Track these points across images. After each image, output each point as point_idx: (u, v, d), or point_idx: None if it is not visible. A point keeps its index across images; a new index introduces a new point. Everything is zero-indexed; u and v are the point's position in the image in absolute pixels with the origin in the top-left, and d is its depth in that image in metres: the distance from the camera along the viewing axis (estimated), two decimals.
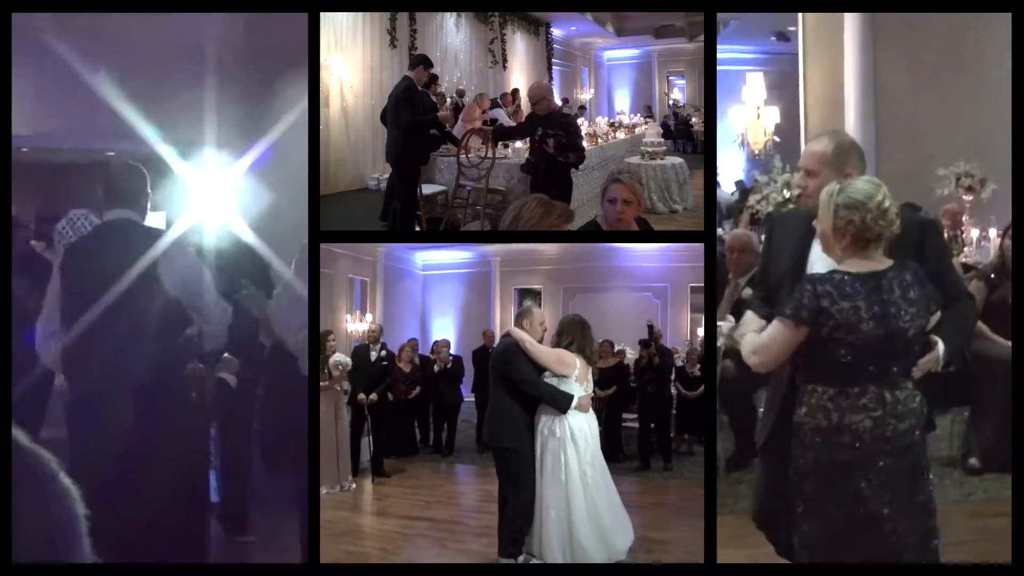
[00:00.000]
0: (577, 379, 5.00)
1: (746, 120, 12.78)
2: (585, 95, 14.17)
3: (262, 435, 4.93)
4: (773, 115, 12.67)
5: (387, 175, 7.57)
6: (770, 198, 10.07)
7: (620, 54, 15.50)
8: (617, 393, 8.37)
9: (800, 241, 3.36)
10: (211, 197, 4.53)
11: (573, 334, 5.11)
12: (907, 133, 10.03)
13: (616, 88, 15.79)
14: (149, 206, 4.22)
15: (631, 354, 8.82)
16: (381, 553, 5.54)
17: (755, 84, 12.86)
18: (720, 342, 3.42)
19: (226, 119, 7.69)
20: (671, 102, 14.90)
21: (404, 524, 6.31)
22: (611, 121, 12.39)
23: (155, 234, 4.12)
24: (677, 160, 10.23)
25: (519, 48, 12.48)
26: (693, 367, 8.74)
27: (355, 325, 9.45)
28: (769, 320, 3.19)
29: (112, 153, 8.35)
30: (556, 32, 13.58)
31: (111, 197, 4.17)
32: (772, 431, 3.38)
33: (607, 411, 8.05)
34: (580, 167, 7.25)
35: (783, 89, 12.23)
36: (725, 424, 6.14)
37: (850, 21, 10.27)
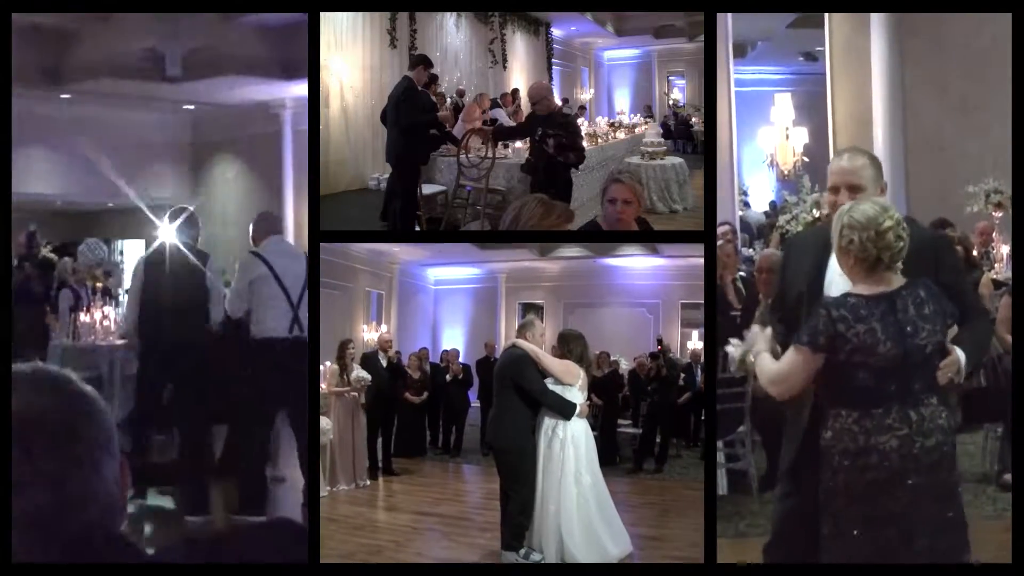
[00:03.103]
0: (580, 388, 5.33)
1: (775, 141, 12.80)
2: (585, 95, 14.16)
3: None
4: (802, 136, 12.70)
5: (387, 175, 7.57)
6: (799, 218, 10.12)
7: (620, 54, 15.49)
8: (612, 400, 8.86)
9: (816, 260, 3.32)
10: (168, 234, 6.62)
11: (580, 347, 5.45)
12: (935, 151, 10.04)
13: (616, 88, 15.78)
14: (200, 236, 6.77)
15: (625, 365, 9.37)
16: (394, 546, 5.80)
17: (783, 105, 12.91)
18: (732, 368, 3.35)
19: (181, 185, 14.21)
20: (671, 102, 14.88)
21: (415, 519, 6.63)
22: (611, 121, 12.38)
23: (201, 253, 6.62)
24: (677, 160, 10.22)
25: (519, 48, 12.47)
26: (679, 377, 9.25)
27: (371, 334, 9.84)
28: (784, 343, 3.16)
29: (112, 204, 14.75)
30: (556, 32, 13.57)
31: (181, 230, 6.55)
32: (796, 458, 3.34)
33: (603, 417, 8.59)
34: (580, 167, 7.24)
35: (811, 110, 12.30)
36: (758, 444, 6.13)
37: (876, 41, 10.29)
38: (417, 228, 6.99)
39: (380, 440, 8.25)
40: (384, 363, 8.41)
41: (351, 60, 9.04)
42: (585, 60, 15.00)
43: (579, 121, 9.52)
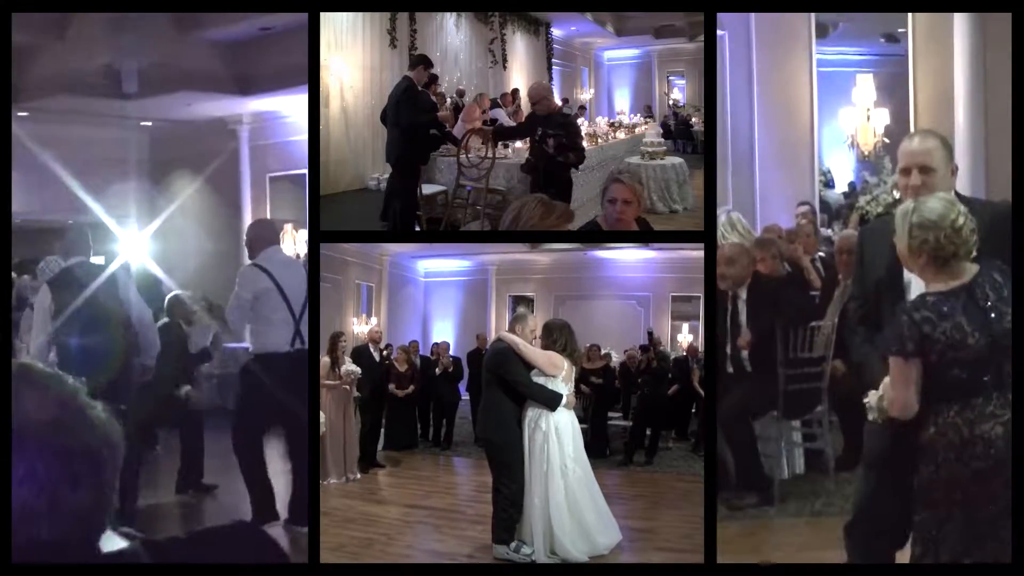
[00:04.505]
0: (563, 379, 5.33)
1: (856, 122, 12.78)
2: (585, 95, 14.16)
3: None
4: (883, 117, 12.67)
5: (387, 175, 7.58)
6: (880, 199, 10.09)
7: (620, 54, 15.50)
8: (602, 393, 8.84)
9: (893, 247, 3.26)
10: (133, 247, 6.56)
11: (564, 336, 5.46)
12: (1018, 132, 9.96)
13: (616, 88, 15.79)
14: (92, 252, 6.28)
15: (616, 358, 9.38)
16: (384, 539, 5.79)
17: (865, 86, 12.86)
18: (872, 416, 3.25)
19: (140, 201, 13.78)
20: (671, 102, 14.89)
21: (406, 512, 6.61)
22: (611, 121, 12.39)
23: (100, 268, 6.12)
24: (677, 160, 10.23)
25: (519, 48, 12.48)
26: (669, 369, 9.23)
27: (361, 327, 9.83)
28: (868, 340, 3.17)
29: (71, 221, 13.75)
30: (556, 32, 13.58)
31: (71, 249, 6.11)
32: (887, 447, 3.30)
33: (593, 410, 8.64)
34: (580, 167, 7.25)
35: (893, 91, 12.22)
36: (835, 424, 6.14)
37: (959, 22, 10.23)
38: (417, 228, 7.00)
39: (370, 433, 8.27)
40: (376, 357, 8.44)
41: (351, 60, 9.04)
42: (585, 60, 15.01)
43: (579, 121, 9.52)
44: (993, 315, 2.98)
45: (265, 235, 6.33)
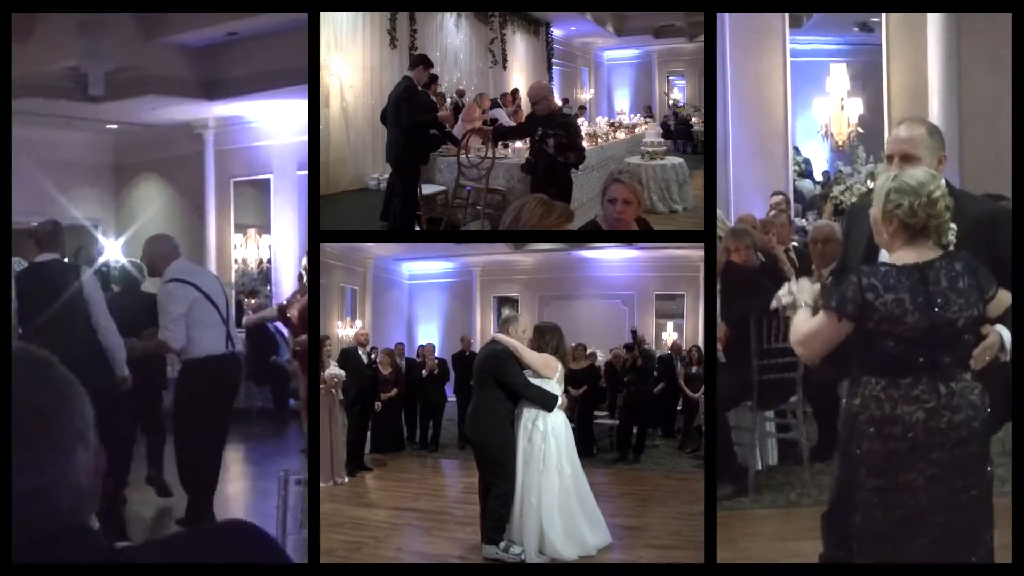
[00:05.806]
0: (558, 380, 5.42)
1: (830, 111, 12.76)
2: (585, 95, 14.16)
3: None
4: (857, 106, 12.66)
5: (387, 175, 7.57)
6: (853, 189, 10.12)
7: (620, 54, 15.50)
8: (589, 393, 8.84)
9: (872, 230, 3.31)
10: (110, 248, 6.66)
11: (556, 339, 5.54)
12: (991, 123, 9.98)
13: (616, 88, 15.78)
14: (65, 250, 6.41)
15: (601, 357, 9.36)
16: (373, 542, 5.80)
17: (839, 75, 12.84)
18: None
19: (101, 206, 14.45)
20: (671, 102, 14.89)
21: (394, 515, 6.61)
22: (611, 121, 12.38)
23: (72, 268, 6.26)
24: (677, 160, 10.23)
25: (519, 48, 12.47)
26: (655, 367, 9.24)
27: (346, 330, 9.83)
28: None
29: (35, 223, 14.87)
30: (556, 32, 13.57)
31: (45, 244, 6.19)
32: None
33: (580, 409, 8.58)
34: (580, 167, 7.25)
35: (867, 80, 12.23)
36: (809, 415, 6.16)
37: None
38: (417, 228, 7.00)
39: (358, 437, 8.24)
40: (365, 359, 8.44)
41: (351, 60, 9.04)
42: (585, 60, 15.00)
43: (579, 121, 9.52)
44: (939, 301, 2.99)
45: (166, 251, 6.32)
